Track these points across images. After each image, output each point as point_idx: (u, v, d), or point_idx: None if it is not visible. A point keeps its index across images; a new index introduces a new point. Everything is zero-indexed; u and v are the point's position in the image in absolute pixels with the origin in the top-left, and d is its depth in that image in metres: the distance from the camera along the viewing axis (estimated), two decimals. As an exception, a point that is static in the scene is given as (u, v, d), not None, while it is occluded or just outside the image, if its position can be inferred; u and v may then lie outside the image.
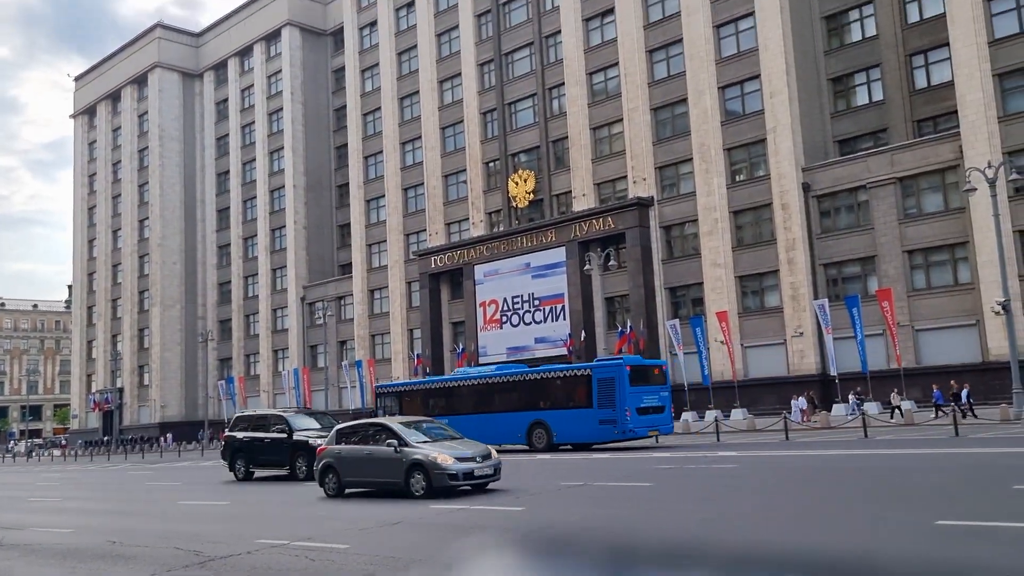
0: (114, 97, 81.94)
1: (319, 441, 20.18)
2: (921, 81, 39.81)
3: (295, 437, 23.02)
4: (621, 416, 26.05)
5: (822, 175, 39.47)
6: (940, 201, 36.51)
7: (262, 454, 24.06)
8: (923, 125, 39.58)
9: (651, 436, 27.11)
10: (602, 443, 27.20)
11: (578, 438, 27.63)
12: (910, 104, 39.93)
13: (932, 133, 38.28)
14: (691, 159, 43.12)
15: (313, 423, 24.17)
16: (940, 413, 29.14)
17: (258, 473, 24.61)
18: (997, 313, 29.77)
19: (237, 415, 27.88)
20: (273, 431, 23.87)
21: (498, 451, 16.46)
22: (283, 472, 23.63)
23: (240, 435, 24.78)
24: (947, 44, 36.79)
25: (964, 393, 29.48)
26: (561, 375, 28.81)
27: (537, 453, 27.20)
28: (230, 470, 24.87)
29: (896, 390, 32.32)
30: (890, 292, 34.99)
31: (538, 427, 28.22)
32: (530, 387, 29.55)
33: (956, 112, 35.74)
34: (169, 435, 62.96)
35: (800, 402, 33.94)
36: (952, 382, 31.12)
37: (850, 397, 33.31)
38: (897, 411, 30.29)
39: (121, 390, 75.41)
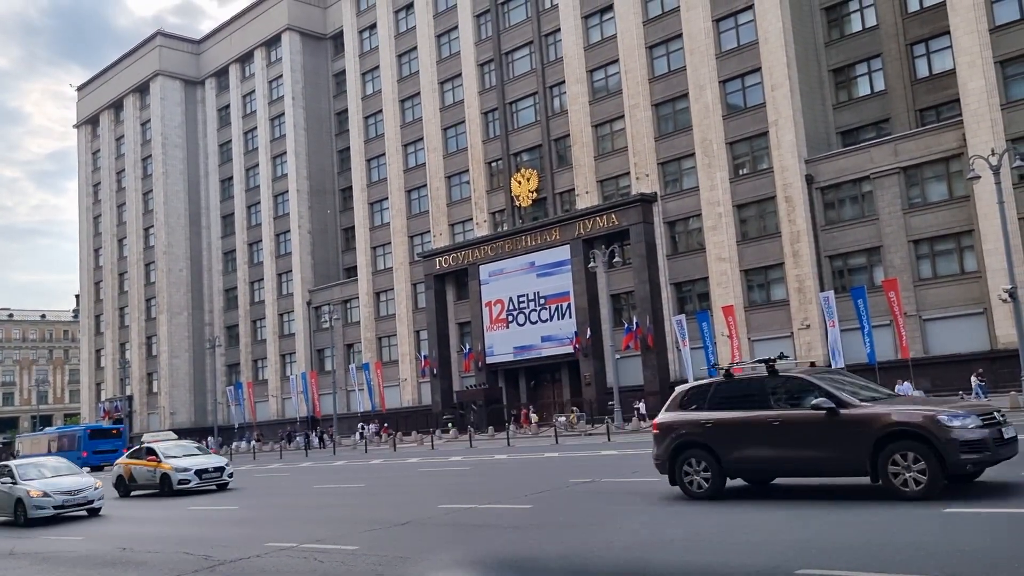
0: (116, 106, 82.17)
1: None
2: (923, 70, 39.60)
3: None
4: (81, 455, 46.92)
5: (825, 167, 39.35)
6: (944, 190, 36.36)
7: None
8: (925, 114, 39.39)
9: (104, 465, 45.41)
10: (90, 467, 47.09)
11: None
12: (912, 93, 39.75)
13: (935, 122, 38.09)
14: (693, 154, 43.04)
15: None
16: None
17: None
18: (1004, 301, 29.63)
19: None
20: None
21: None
22: None
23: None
24: (948, 32, 36.57)
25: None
26: (68, 434, 53.68)
27: None
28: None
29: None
30: (896, 282, 34.87)
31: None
32: (66, 439, 52.45)
33: (958, 100, 35.53)
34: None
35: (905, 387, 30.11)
36: None
37: (972, 379, 30.74)
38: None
39: (131, 398, 75.52)
